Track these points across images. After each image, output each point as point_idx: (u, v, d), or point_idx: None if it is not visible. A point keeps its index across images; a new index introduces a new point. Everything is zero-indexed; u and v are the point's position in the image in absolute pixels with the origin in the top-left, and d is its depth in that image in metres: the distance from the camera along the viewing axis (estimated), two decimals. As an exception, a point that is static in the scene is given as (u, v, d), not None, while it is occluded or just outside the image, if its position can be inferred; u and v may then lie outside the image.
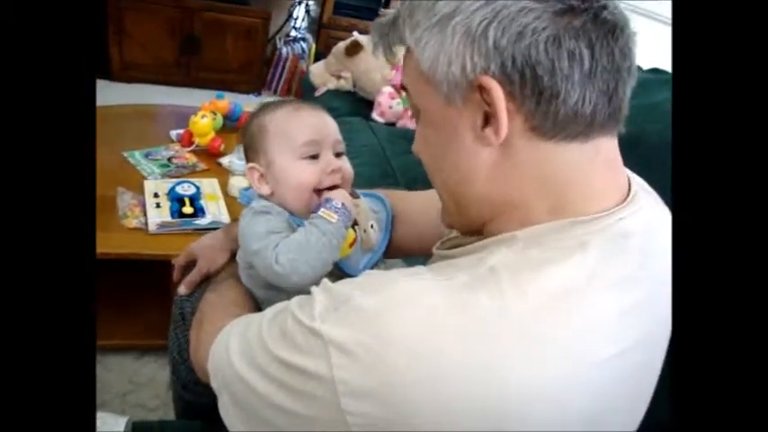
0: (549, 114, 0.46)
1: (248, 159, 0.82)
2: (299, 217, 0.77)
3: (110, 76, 3.09)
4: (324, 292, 0.48)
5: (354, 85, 2.51)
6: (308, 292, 0.50)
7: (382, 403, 0.42)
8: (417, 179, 1.94)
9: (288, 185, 0.77)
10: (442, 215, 0.60)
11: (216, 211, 1.53)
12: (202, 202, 1.54)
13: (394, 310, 0.44)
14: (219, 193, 1.61)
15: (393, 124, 2.37)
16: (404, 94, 2.34)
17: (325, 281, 0.51)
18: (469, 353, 0.42)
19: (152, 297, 1.59)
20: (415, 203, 0.87)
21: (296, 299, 0.51)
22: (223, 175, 1.72)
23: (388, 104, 2.35)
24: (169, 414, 1.42)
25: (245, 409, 0.53)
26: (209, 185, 1.64)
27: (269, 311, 0.55)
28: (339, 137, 0.81)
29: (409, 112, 2.35)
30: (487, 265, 0.46)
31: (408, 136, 2.28)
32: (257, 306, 0.80)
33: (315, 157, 0.77)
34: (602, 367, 0.45)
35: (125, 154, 1.73)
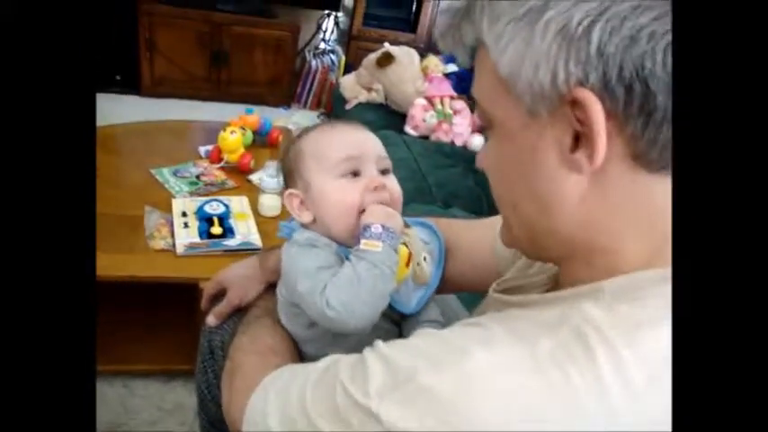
0: (657, 140, 0.37)
1: (287, 186, 0.74)
2: (348, 246, 0.67)
3: (140, 91, 3.09)
4: (381, 363, 0.41)
5: (386, 98, 2.44)
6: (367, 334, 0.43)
7: None
8: (456, 195, 1.87)
9: (329, 209, 0.68)
10: (502, 232, 0.52)
11: (246, 230, 1.47)
12: (232, 222, 1.48)
13: (469, 392, 0.36)
14: (249, 212, 1.55)
15: (427, 137, 2.29)
16: (439, 106, 2.26)
17: (380, 345, 0.43)
18: None
19: (179, 320, 1.53)
20: (469, 234, 0.78)
21: (345, 363, 0.44)
22: (253, 192, 1.66)
23: (422, 117, 2.28)
24: (197, 444, 1.36)
25: None
26: (239, 204, 1.57)
27: (312, 372, 0.47)
28: (383, 152, 0.71)
29: (444, 125, 2.26)
30: (572, 325, 0.38)
31: (444, 150, 2.20)
32: (296, 349, 0.72)
33: (356, 174, 0.68)
34: None
35: (153, 171, 1.69)
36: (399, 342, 0.44)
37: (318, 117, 3.26)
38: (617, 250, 0.41)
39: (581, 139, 0.38)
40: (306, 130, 0.74)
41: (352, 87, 2.51)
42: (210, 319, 0.91)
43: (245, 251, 1.40)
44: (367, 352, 0.44)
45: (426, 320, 0.72)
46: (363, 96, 2.47)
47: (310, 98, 3.44)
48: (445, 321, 0.90)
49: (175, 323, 1.55)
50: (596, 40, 0.35)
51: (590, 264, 0.43)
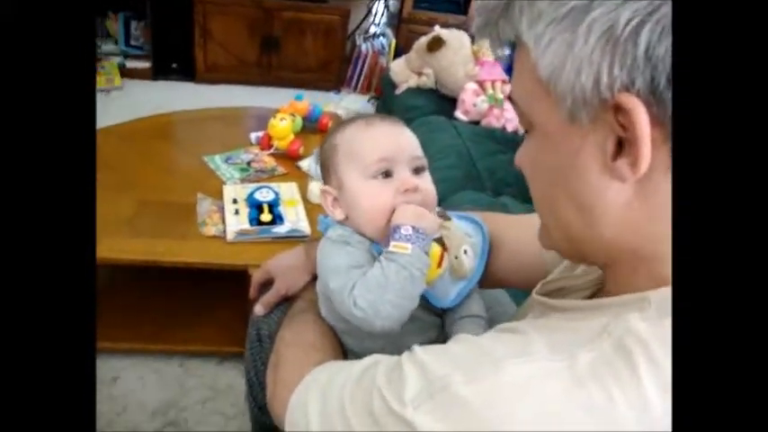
0: None
1: (324, 181, 0.74)
2: (380, 244, 0.67)
3: (195, 77, 3.16)
4: (417, 370, 0.41)
5: (436, 82, 2.41)
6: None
7: None
8: (506, 182, 1.83)
9: (360, 209, 0.68)
10: (540, 234, 0.50)
11: (294, 217, 1.48)
12: (281, 209, 1.50)
13: (504, 405, 0.35)
14: (299, 198, 1.57)
15: (477, 122, 2.25)
16: (491, 90, 2.21)
17: (417, 351, 0.43)
18: None
19: (232, 303, 1.57)
20: (516, 231, 0.76)
21: (383, 367, 0.44)
22: (302, 178, 1.68)
23: (472, 102, 2.23)
24: (246, 425, 1.41)
25: None
26: (288, 190, 1.59)
27: (352, 373, 0.48)
28: (418, 152, 0.70)
29: (495, 110, 2.22)
30: (615, 337, 0.36)
31: (494, 136, 2.16)
32: (337, 343, 0.72)
33: (389, 175, 0.67)
34: None
35: (205, 158, 1.72)
36: (436, 348, 0.44)
37: (369, 101, 3.25)
38: (663, 259, 0.39)
39: (624, 145, 0.36)
40: (342, 124, 0.74)
41: (401, 72, 2.49)
42: (258, 308, 0.92)
43: (293, 238, 1.42)
44: (405, 357, 0.44)
45: (467, 315, 0.71)
46: (413, 81, 2.44)
47: (360, 82, 3.44)
48: (493, 316, 0.88)
49: (228, 306, 1.60)
50: (644, 43, 0.33)
51: (635, 271, 0.41)
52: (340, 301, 0.63)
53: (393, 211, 0.66)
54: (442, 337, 0.74)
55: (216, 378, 1.56)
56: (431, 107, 2.31)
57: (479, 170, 1.84)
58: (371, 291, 0.61)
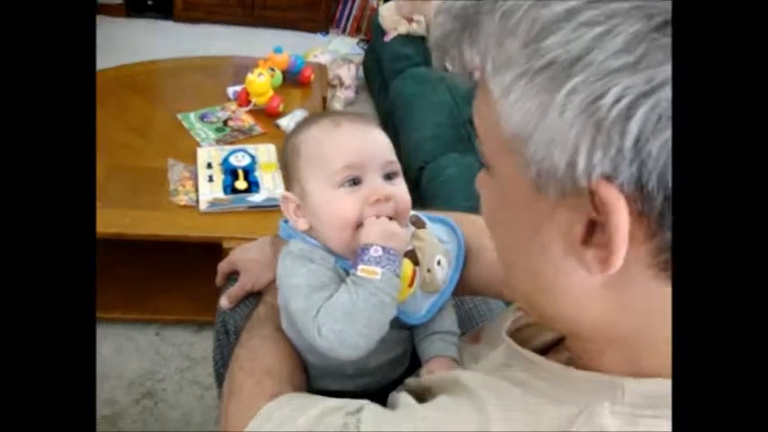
0: None
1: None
2: (346, 258, 0.61)
3: (173, 16, 2.99)
4: None
5: (428, 30, 2.27)
6: None
7: None
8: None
9: (325, 221, 0.61)
10: (506, 288, 0.45)
11: (271, 184, 1.41)
12: (257, 174, 1.43)
13: None
14: (276, 162, 1.49)
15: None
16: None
17: (363, 421, 0.43)
18: None
19: (207, 271, 1.52)
20: None
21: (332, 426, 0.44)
22: (281, 138, 1.58)
23: (465, 53, 2.11)
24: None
25: None
26: (266, 153, 1.51)
27: (299, 423, 0.49)
28: (390, 156, 0.62)
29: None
30: None
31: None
32: (297, 360, 0.67)
33: (357, 183, 0.60)
34: None
35: (179, 116, 1.63)
36: (383, 417, 0.42)
37: (358, 44, 3.09)
38: (636, 348, 0.34)
39: (596, 232, 0.29)
40: (306, 122, 0.65)
41: (391, 18, 2.34)
42: (224, 302, 0.87)
43: (269, 208, 1.35)
44: (351, 426, 0.42)
45: (438, 331, 0.66)
46: (403, 28, 2.31)
47: (349, 23, 3.27)
48: (472, 310, 0.84)
49: (204, 275, 1.54)
50: (635, 132, 0.25)
51: (603, 352, 0.36)
52: (303, 325, 0.58)
53: (361, 224, 0.59)
54: (409, 351, 0.69)
55: (192, 347, 1.54)
56: (421, 57, 2.18)
57: (468, 131, 1.75)
58: (338, 320, 0.55)
